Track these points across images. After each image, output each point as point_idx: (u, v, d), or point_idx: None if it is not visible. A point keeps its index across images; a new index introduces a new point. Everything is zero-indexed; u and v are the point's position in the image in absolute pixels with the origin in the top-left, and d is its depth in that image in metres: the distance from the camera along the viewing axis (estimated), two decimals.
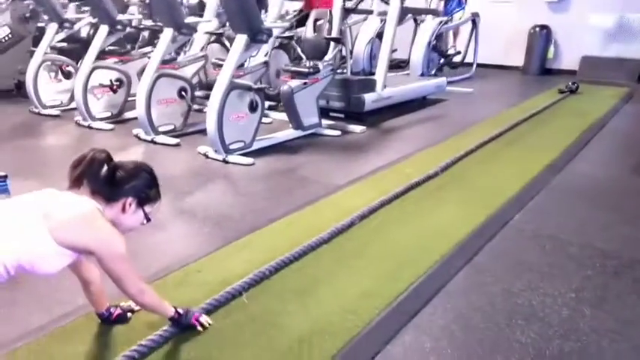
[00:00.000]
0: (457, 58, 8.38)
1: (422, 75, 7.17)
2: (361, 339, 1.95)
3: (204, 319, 2.00)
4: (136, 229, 1.80)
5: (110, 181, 1.69)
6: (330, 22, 4.90)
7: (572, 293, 2.26)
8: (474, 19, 8.47)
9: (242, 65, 5.22)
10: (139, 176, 1.75)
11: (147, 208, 1.77)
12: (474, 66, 8.73)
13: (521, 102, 6.62)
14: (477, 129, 5.16)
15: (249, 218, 3.11)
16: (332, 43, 4.84)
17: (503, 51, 9.60)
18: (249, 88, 4.31)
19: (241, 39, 4.20)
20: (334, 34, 4.82)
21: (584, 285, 2.32)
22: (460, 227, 2.86)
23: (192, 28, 5.03)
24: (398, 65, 8.28)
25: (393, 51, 8.04)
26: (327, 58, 4.83)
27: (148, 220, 1.79)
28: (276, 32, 5.10)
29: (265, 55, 5.76)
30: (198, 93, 5.59)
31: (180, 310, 1.95)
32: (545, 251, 2.64)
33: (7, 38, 6.87)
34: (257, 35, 4.17)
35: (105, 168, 1.67)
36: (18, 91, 6.77)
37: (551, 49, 9.01)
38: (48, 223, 1.53)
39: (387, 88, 5.62)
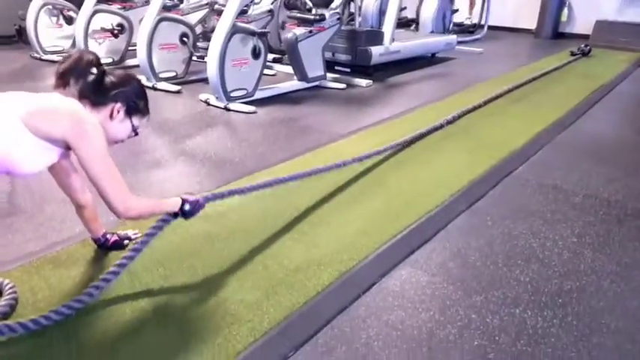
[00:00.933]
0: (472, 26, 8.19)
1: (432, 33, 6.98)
2: (357, 271, 1.94)
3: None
4: (123, 142, 1.73)
5: (99, 84, 1.62)
6: None
7: (574, 238, 2.23)
8: None
9: (245, 12, 5.08)
10: (130, 84, 1.68)
11: (135, 120, 1.70)
12: (485, 27, 8.51)
13: (531, 63, 6.46)
14: (484, 86, 5.04)
15: (248, 162, 3.07)
16: None
17: (516, 13, 9.34)
18: (252, 33, 4.19)
19: None
20: None
21: (587, 231, 2.29)
22: (462, 175, 2.81)
23: None
24: (407, 24, 8.07)
25: (402, 9, 7.84)
26: (333, 5, 4.67)
27: (136, 133, 1.73)
28: None
29: (271, 4, 5.61)
30: (201, 44, 5.46)
31: (187, 206, 1.83)
32: (548, 199, 2.59)
33: None
34: None
35: (94, 70, 1.61)
36: (19, 37, 6.63)
37: (565, 11, 8.74)
38: (21, 111, 1.46)
39: (395, 42, 5.47)
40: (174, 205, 1.82)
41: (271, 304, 1.73)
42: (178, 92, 4.65)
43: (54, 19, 5.98)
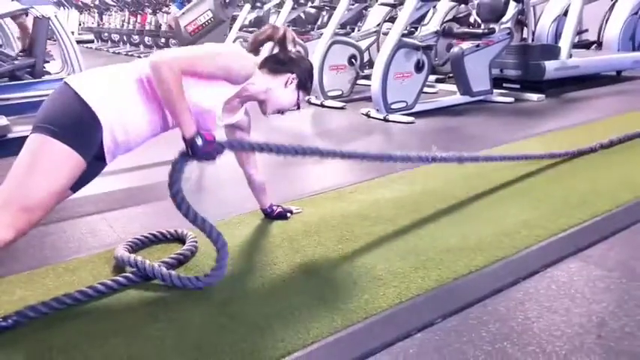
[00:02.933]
0: None
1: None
2: (516, 259, 1.80)
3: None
4: (285, 111, 1.89)
5: (280, 57, 1.82)
6: None
7: None
8: None
9: (412, 33, 5.20)
10: (304, 63, 1.87)
11: (301, 95, 1.87)
12: None
13: None
14: None
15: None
16: (511, 4, 4.52)
17: None
18: (416, 48, 4.28)
19: None
20: None
21: None
22: None
23: None
24: (588, 46, 7.37)
25: (584, 31, 7.19)
26: (504, 19, 4.53)
27: (298, 107, 1.89)
28: None
29: (440, 26, 5.65)
30: (367, 71, 5.73)
31: (200, 140, 1.58)
32: None
33: (208, 22, 7.90)
34: None
35: (278, 46, 1.82)
36: None
37: None
38: None
39: (573, 58, 5.05)
40: (189, 124, 1.58)
41: (419, 276, 1.70)
42: (342, 108, 4.92)
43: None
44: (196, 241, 1.99)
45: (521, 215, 2.14)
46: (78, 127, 1.55)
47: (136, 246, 1.98)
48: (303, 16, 7.26)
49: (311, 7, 6.83)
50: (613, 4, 6.94)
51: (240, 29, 6.87)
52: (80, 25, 15.20)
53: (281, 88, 1.82)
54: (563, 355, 1.32)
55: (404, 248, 1.90)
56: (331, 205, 2.38)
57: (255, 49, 1.82)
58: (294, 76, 1.82)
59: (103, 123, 1.56)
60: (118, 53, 11.36)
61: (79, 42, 5.70)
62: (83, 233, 2.21)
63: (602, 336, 1.37)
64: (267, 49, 1.85)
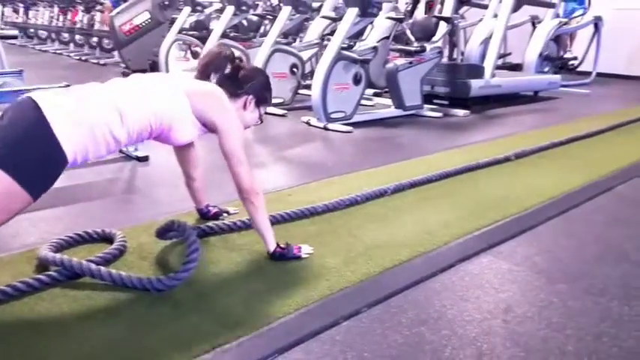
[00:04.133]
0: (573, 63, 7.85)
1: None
2: (435, 254, 1.98)
3: (306, 249, 1.91)
4: (250, 128, 1.96)
5: (234, 77, 1.86)
6: (442, 3, 4.92)
7: None
8: (597, 23, 7.84)
9: (351, 47, 5.40)
10: (259, 78, 1.93)
11: (262, 109, 1.94)
12: (593, 73, 8.07)
13: None
14: (588, 120, 4.81)
15: (340, 166, 3.23)
16: (441, 25, 4.84)
17: (628, 60, 8.77)
18: (354, 61, 4.47)
19: (352, 12, 4.37)
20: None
21: None
22: (557, 188, 2.73)
23: (309, 7, 5.32)
24: (512, 69, 7.96)
25: (508, 54, 7.77)
26: (435, 39, 4.84)
27: (261, 121, 1.96)
28: (386, 12, 5.21)
29: (377, 42, 5.89)
30: (309, 81, 5.87)
31: (283, 245, 1.88)
32: None
33: (146, 23, 7.69)
34: (368, 8, 4.32)
35: (229, 65, 1.86)
36: (151, 71, 7.61)
37: None
38: (185, 87, 1.72)
39: (496, 78, 5.47)
40: (272, 237, 1.87)
41: (349, 270, 1.82)
42: (283, 116, 5.01)
43: (182, 52, 6.81)
44: (125, 240, 1.97)
45: (441, 216, 2.33)
46: (36, 162, 1.44)
47: (61, 246, 1.91)
48: (245, 23, 7.31)
49: (253, 14, 6.89)
50: (533, 32, 7.58)
51: (180, 32, 6.79)
52: (2, 18, 14.29)
53: (241, 111, 1.88)
54: (472, 337, 1.48)
55: (337, 245, 2.02)
56: (269, 206, 2.38)
57: (204, 75, 1.84)
58: (250, 97, 1.88)
59: (68, 155, 1.49)
60: (45, 51, 10.80)
61: (0, 37, 5.39)
62: (4, 234, 2.08)
63: (507, 320, 1.55)
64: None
